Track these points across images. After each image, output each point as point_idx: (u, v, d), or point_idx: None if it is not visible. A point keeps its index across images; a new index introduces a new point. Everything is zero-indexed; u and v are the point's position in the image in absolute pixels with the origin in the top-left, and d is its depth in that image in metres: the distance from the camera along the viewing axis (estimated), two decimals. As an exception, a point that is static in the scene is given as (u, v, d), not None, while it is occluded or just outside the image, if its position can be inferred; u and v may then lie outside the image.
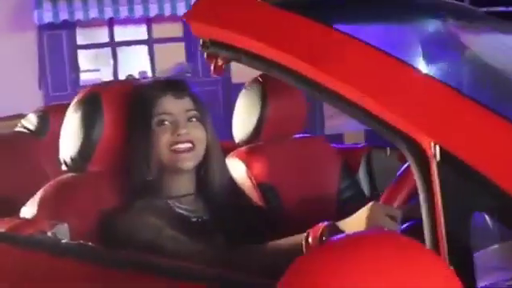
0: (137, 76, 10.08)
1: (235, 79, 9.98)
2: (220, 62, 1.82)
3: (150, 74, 10.21)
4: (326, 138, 3.16)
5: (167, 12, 9.51)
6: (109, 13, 9.26)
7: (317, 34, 1.70)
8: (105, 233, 2.09)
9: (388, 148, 3.05)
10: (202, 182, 2.24)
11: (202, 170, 2.23)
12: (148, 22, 10.07)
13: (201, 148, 2.20)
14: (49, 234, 1.97)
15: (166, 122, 2.18)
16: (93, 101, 2.22)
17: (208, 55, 1.83)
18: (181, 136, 2.16)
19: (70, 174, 2.24)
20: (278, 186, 2.72)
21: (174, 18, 9.69)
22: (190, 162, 2.17)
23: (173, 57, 10.24)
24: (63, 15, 9.05)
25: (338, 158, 2.97)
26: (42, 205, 2.13)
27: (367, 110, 1.61)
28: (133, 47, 10.28)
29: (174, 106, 2.20)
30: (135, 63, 10.19)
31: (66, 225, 1.99)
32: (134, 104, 2.23)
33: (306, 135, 3.00)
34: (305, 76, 1.66)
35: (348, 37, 1.67)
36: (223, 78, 9.91)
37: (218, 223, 2.18)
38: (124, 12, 9.31)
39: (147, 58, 10.27)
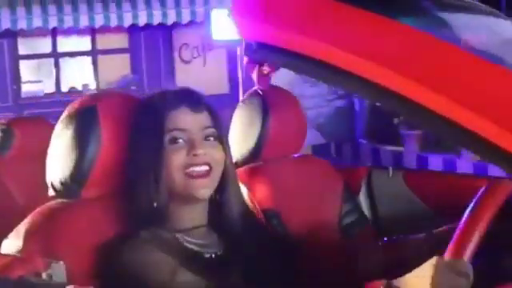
0: (80, 88, 9.72)
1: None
2: (266, 71, 1.50)
3: (93, 86, 9.87)
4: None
5: (113, 23, 9.18)
6: (53, 22, 8.88)
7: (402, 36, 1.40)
8: (105, 271, 1.76)
9: (390, 168, 2.79)
10: (215, 210, 1.92)
11: (217, 197, 1.91)
12: (92, 32, 9.74)
13: (218, 172, 1.88)
14: (43, 275, 1.63)
15: (180, 140, 1.85)
16: (88, 114, 1.88)
17: (250, 62, 1.51)
18: (197, 157, 1.84)
19: (61, 201, 1.89)
20: (282, 212, 2.43)
21: (119, 28, 9.39)
22: (206, 189, 1.85)
23: (117, 69, 9.95)
24: (5, 24, 8.65)
25: (340, 180, 2.71)
26: (29, 237, 1.77)
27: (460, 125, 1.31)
28: (76, 58, 9.93)
29: (189, 122, 1.87)
30: (78, 75, 9.85)
31: (61, 263, 1.65)
32: (140, 117, 1.89)
33: (306, 154, 2.73)
34: (387, 88, 1.35)
35: (434, 37, 1.38)
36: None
37: (235, 259, 1.86)
38: (69, 22, 8.94)
39: (91, 69, 9.93)
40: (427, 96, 1.33)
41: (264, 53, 1.49)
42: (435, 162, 9.06)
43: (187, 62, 10.07)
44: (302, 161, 2.65)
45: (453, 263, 1.54)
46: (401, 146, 9.45)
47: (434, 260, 1.51)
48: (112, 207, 1.86)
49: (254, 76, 1.57)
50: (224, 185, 1.90)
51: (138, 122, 1.89)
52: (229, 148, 1.92)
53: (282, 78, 8.24)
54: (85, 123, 1.86)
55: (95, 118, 1.87)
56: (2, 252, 1.78)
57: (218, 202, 1.91)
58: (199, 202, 1.87)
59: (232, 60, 9.79)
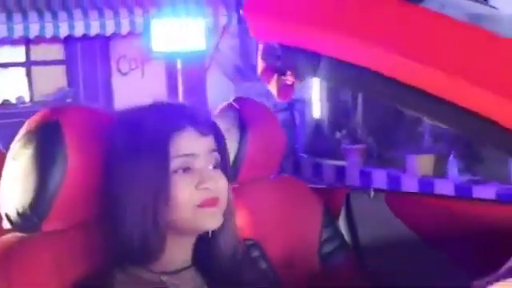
0: (14, 101, 9.33)
1: (118, 105, 9.37)
2: (290, 81, 1.23)
3: (27, 98, 9.49)
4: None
5: (49, 33, 8.82)
6: (-13, 32, 8.50)
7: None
8: None
9: (372, 189, 2.57)
10: (204, 248, 1.63)
11: (210, 233, 1.60)
12: (26, 42, 9.36)
13: (223, 204, 1.58)
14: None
15: (188, 170, 1.54)
16: (50, 130, 1.56)
17: (268, 70, 1.24)
18: (208, 191, 1.54)
19: (19, 235, 1.58)
20: (262, 241, 2.16)
21: (54, 39, 9.06)
22: (218, 220, 1.56)
23: (53, 81, 9.61)
24: None
25: (319, 203, 2.46)
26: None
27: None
28: (9, 69, 9.53)
29: (197, 146, 1.55)
30: (12, 87, 9.45)
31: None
32: (132, 137, 1.54)
33: (283, 175, 2.48)
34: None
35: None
36: (105, 105, 9.33)
37: None
38: (2, 32, 8.56)
39: (25, 81, 9.54)
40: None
41: (291, 58, 1.21)
42: (379, 177, 8.94)
43: (125, 74, 9.80)
44: (281, 183, 2.40)
45: None
46: (343, 161, 9.35)
47: None
48: (80, 243, 1.56)
49: (273, 87, 1.30)
50: (223, 219, 1.60)
51: (129, 143, 1.54)
52: (231, 179, 1.63)
53: (219, 90, 8.03)
54: (47, 142, 1.54)
55: (59, 136, 1.55)
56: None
57: (208, 238, 1.61)
58: (190, 237, 1.58)
59: (171, 72, 9.56)
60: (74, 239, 1.56)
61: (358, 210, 2.54)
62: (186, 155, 1.53)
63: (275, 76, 1.30)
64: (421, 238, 2.44)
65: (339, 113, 10.79)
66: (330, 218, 2.47)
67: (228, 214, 1.60)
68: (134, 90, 9.51)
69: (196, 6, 9.41)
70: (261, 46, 1.26)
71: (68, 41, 9.37)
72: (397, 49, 1.11)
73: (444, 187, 7.84)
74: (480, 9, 1.47)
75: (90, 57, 9.65)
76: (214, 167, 1.57)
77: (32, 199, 1.53)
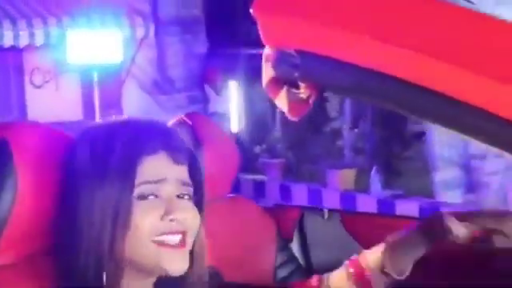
0: None
1: (32, 119, 9.11)
2: (305, 94, 1.05)
3: None
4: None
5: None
6: None
7: None
8: None
9: (326, 210, 2.46)
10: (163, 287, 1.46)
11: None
12: None
13: (191, 241, 1.43)
14: None
15: (153, 197, 1.38)
16: None
17: (276, 82, 1.06)
18: (174, 223, 1.38)
19: None
20: (221, 268, 2.02)
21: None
22: (182, 264, 1.40)
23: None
24: None
25: (273, 225, 2.34)
26: None
27: None
28: None
29: (167, 174, 1.39)
30: None
31: None
32: (94, 158, 1.38)
33: (235, 196, 2.35)
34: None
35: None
36: (19, 118, 9.07)
37: None
38: None
39: None
40: None
41: (313, 67, 1.02)
42: (299, 192, 8.91)
43: (39, 87, 9.53)
44: (234, 204, 2.28)
45: None
46: (262, 175, 9.33)
47: None
48: (30, 276, 1.39)
49: (282, 102, 1.12)
50: (191, 259, 1.44)
51: (88, 164, 1.39)
52: (203, 213, 1.48)
53: (136, 103, 7.85)
54: None
55: (7, 156, 1.38)
56: None
57: (174, 278, 1.44)
58: (155, 276, 1.43)
59: (87, 85, 9.34)
60: (24, 273, 1.39)
61: (311, 231, 2.43)
62: (155, 182, 1.38)
63: (284, 89, 1.13)
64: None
65: (258, 127, 10.73)
66: (284, 242, 2.36)
67: (198, 253, 1.45)
68: (48, 102, 9.26)
69: (112, 17, 9.21)
70: (268, 53, 1.09)
71: (-21, 52, 9.08)
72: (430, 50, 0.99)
73: (366, 202, 7.84)
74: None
75: (2, 68, 9.36)
76: (186, 199, 1.42)
77: None
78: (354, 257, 1.66)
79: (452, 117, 1.02)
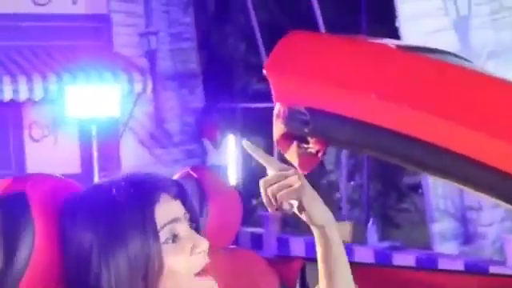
0: None
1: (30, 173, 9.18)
2: (314, 149, 1.13)
3: None
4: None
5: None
6: None
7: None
8: None
9: (326, 261, 2.53)
10: None
11: None
12: None
13: None
14: None
15: (177, 237, 1.43)
16: (15, 203, 1.44)
17: (287, 138, 1.14)
18: (201, 254, 1.42)
19: None
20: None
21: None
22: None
23: (-39, 147, 9.35)
24: None
25: (275, 277, 2.40)
26: None
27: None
28: None
29: (176, 210, 1.44)
30: None
31: None
32: (109, 213, 1.41)
33: (237, 248, 2.42)
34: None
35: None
36: (18, 172, 9.13)
37: None
38: None
39: None
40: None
41: (322, 123, 1.11)
42: (297, 245, 8.93)
43: (37, 141, 9.60)
44: (237, 255, 2.34)
45: None
46: (260, 228, 9.36)
47: None
48: None
49: (292, 157, 1.20)
50: None
51: (105, 219, 1.42)
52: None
53: (133, 157, 7.87)
54: (13, 215, 1.43)
55: (26, 207, 1.43)
56: None
57: None
58: None
59: (85, 138, 9.42)
60: None
61: (312, 281, 2.50)
62: (170, 222, 1.42)
63: (294, 144, 1.20)
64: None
65: (255, 180, 10.77)
66: (287, 291, 2.43)
67: None
68: (46, 156, 9.33)
69: (110, 72, 9.33)
70: (279, 110, 1.16)
71: (-22, 106, 9.16)
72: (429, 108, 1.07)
73: (364, 254, 7.87)
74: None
75: (1, 123, 9.44)
76: (193, 227, 1.48)
77: None
78: None
79: (450, 168, 1.10)
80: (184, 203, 1.47)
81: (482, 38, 7.06)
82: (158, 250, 1.40)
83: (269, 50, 9.38)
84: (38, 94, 8.97)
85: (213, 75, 11.19)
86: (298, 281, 2.53)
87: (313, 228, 1.53)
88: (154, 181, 1.43)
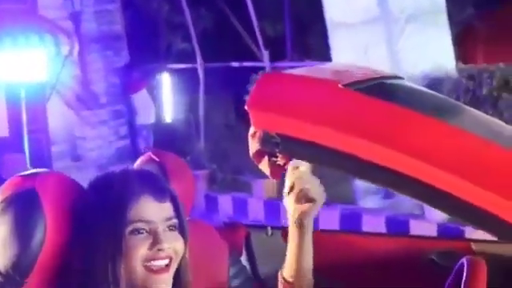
0: None
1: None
2: (282, 161, 1.44)
3: None
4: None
5: None
6: None
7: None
8: None
9: (269, 228, 2.81)
10: None
11: None
12: None
13: (176, 264, 1.77)
14: None
15: (143, 232, 1.73)
16: (28, 198, 1.72)
17: (260, 153, 1.44)
18: (161, 252, 1.72)
19: None
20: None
21: None
22: (166, 284, 1.75)
23: None
24: None
25: (225, 246, 2.68)
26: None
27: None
28: None
29: (154, 213, 1.73)
30: None
31: None
32: (97, 203, 1.74)
33: (194, 219, 2.68)
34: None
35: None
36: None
37: None
38: None
39: None
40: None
41: (288, 145, 1.44)
42: (225, 202, 9.20)
43: (-36, 105, 9.61)
44: (193, 227, 2.59)
45: None
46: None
47: None
48: None
49: (264, 167, 1.50)
50: (178, 276, 1.79)
51: (94, 207, 1.73)
52: (187, 239, 1.83)
53: (61, 119, 8.00)
54: (25, 209, 1.70)
55: (37, 202, 1.71)
56: None
57: None
58: None
59: (12, 102, 9.44)
60: None
61: (258, 247, 2.78)
62: (144, 220, 1.72)
63: (266, 158, 1.51)
64: (315, 268, 2.69)
65: (183, 139, 10.99)
66: (235, 257, 2.70)
67: (183, 272, 1.80)
68: (-27, 120, 9.37)
69: (37, 35, 9.36)
70: (256, 133, 1.47)
71: None
72: (377, 140, 1.39)
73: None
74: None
75: None
76: (172, 231, 1.77)
77: (15, 260, 1.68)
78: None
79: (372, 174, 1.43)
80: (174, 207, 1.76)
81: (401, 2, 7.30)
82: (120, 236, 1.69)
83: (192, 9, 9.37)
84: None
85: (137, 36, 11.29)
86: (243, 248, 2.80)
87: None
88: (143, 181, 1.72)
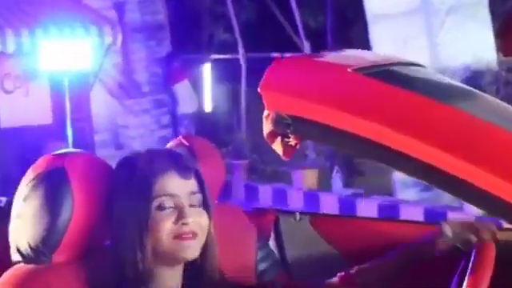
0: None
1: (3, 124, 9.38)
2: (293, 142, 1.52)
3: None
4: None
5: None
6: None
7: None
8: None
9: (297, 213, 2.86)
10: (190, 273, 1.90)
11: (197, 261, 1.89)
12: None
13: (203, 238, 1.86)
14: None
15: (168, 207, 1.81)
16: (57, 176, 1.80)
17: (273, 134, 1.52)
18: (185, 226, 1.81)
19: (31, 266, 1.80)
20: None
21: None
22: (195, 251, 1.84)
23: None
24: None
25: (253, 229, 2.73)
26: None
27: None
28: None
29: (178, 188, 1.83)
30: None
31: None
32: (125, 180, 1.83)
33: (223, 202, 2.74)
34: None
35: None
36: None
37: None
38: None
39: None
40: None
41: (299, 126, 1.51)
42: (265, 192, 9.26)
43: (9, 92, 9.75)
44: (221, 210, 2.65)
45: None
46: (228, 176, 9.56)
47: None
48: (84, 271, 1.80)
49: (277, 147, 1.58)
50: (205, 250, 1.88)
51: (122, 184, 1.82)
52: (212, 214, 1.90)
53: (104, 107, 8.10)
54: (56, 186, 1.79)
55: (66, 181, 1.81)
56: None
57: (195, 266, 1.89)
58: (180, 263, 1.85)
59: (56, 90, 9.58)
60: (80, 269, 1.80)
61: (285, 231, 2.82)
62: (168, 195, 1.81)
63: (279, 138, 1.59)
64: (342, 254, 2.74)
65: (224, 129, 11.08)
66: (263, 241, 2.75)
67: (210, 246, 1.87)
68: (19, 107, 9.52)
69: (82, 26, 9.49)
70: (268, 114, 1.55)
71: (-49, 58, 9.30)
72: (381, 122, 1.45)
73: (328, 200, 8.23)
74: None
75: (-26, 75, 9.57)
76: (196, 206, 1.84)
77: (44, 235, 1.77)
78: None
79: (381, 156, 1.50)
80: (198, 184, 1.84)
81: (441, -7, 7.29)
82: (147, 211, 1.80)
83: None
84: (11, 46, 9.13)
85: (180, 26, 11.38)
86: (272, 232, 2.85)
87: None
88: (169, 159, 1.81)
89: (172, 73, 11.04)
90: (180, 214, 1.81)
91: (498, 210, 1.54)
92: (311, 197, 8.56)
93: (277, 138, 1.61)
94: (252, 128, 10.71)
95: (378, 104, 1.55)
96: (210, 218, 1.88)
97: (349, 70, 1.59)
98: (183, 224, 1.80)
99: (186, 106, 11.01)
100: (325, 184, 8.64)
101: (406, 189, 7.52)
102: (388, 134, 1.49)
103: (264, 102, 1.61)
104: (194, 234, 1.82)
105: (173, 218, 1.81)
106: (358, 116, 1.51)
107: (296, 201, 8.71)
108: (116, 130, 10.80)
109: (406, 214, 7.22)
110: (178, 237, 1.80)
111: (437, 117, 1.55)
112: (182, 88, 11.05)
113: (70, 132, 9.30)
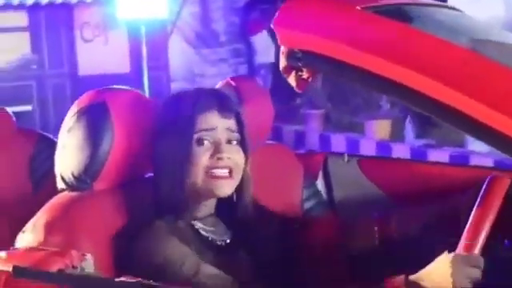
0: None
1: (82, 72, 9.58)
2: (306, 75, 1.62)
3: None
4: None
5: (15, 0, 8.97)
6: None
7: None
8: (123, 259, 1.83)
9: (346, 154, 2.92)
10: (225, 203, 2.03)
11: (233, 195, 2.03)
12: (-10, 10, 9.47)
13: (238, 176, 1.98)
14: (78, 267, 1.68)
15: (206, 142, 1.94)
16: (99, 110, 1.94)
17: (288, 67, 1.63)
18: (221, 161, 1.94)
19: (75, 193, 1.94)
20: (260, 197, 2.51)
21: (18, 7, 9.16)
22: (227, 189, 1.97)
23: (16, 48, 9.71)
24: None
25: (300, 167, 2.81)
26: (48, 231, 1.82)
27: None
28: (-27, 36, 9.62)
29: (217, 122, 1.96)
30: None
31: (90, 255, 1.71)
32: (170, 115, 1.97)
33: (270, 143, 2.83)
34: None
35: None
36: (70, 71, 9.53)
37: (241, 245, 1.97)
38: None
39: (-13, 48, 9.63)
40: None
41: (309, 60, 1.61)
42: (338, 142, 9.29)
43: (89, 41, 9.95)
44: (270, 149, 2.75)
45: (468, 258, 1.68)
46: (302, 125, 9.63)
47: (449, 256, 1.65)
48: (124, 199, 1.93)
49: (292, 80, 1.69)
50: (241, 186, 1.99)
51: (166, 119, 1.96)
52: (249, 154, 2.00)
53: (181, 56, 8.19)
54: (97, 119, 1.93)
55: (107, 114, 1.94)
56: (20, 246, 1.82)
57: (231, 199, 2.01)
58: (215, 198, 1.96)
59: (134, 39, 9.72)
60: (119, 196, 1.93)
61: (333, 172, 2.89)
62: (207, 129, 1.92)
63: (293, 72, 1.70)
64: (388, 196, 2.79)
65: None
66: (310, 180, 2.83)
67: (247, 182, 1.98)
68: (97, 56, 9.72)
69: (159, -26, 9.56)
70: (285, 49, 1.65)
71: (32, 8, 9.51)
72: (386, 56, 1.53)
73: (401, 151, 8.22)
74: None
75: (53, 24, 9.76)
76: (233, 144, 1.94)
77: (86, 163, 1.91)
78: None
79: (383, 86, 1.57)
80: (238, 124, 2.00)
81: None
82: (188, 145, 1.92)
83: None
84: (89, -5, 9.29)
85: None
86: (320, 172, 2.92)
87: None
88: (211, 98, 1.92)
89: (250, 23, 11.06)
90: (216, 149, 1.92)
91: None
92: (383, 147, 8.56)
93: (291, 72, 1.71)
94: (327, 77, 10.71)
95: (382, 39, 1.62)
96: (246, 157, 1.97)
97: (358, 7, 1.67)
98: (218, 159, 1.91)
99: (263, 56, 11.04)
100: (397, 135, 8.62)
101: (477, 140, 7.44)
102: (390, 68, 1.56)
103: (277, 37, 1.70)
104: (230, 170, 1.92)
105: (209, 153, 1.92)
106: (363, 50, 1.58)
107: (368, 151, 8.72)
108: (193, 79, 10.91)
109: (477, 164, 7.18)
110: (212, 175, 1.90)
111: (446, 55, 1.60)
112: (260, 38, 11.07)
113: (146, 80, 9.45)
